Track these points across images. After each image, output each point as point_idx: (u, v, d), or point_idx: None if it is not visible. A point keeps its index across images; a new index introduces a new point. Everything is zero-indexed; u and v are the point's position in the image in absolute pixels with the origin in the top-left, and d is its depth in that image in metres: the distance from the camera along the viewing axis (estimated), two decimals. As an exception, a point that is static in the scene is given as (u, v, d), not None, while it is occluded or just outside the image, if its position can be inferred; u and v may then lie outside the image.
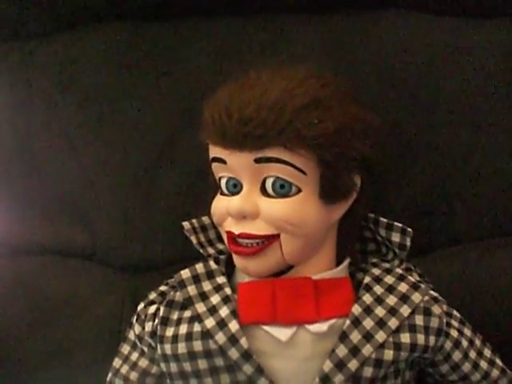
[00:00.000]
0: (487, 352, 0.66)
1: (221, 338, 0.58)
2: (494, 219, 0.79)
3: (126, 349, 0.67)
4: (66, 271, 0.81)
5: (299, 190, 0.58)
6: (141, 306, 0.66)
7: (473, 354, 0.64)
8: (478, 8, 0.79)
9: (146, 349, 0.65)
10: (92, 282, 0.80)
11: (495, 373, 0.65)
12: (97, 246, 0.82)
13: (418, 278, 0.64)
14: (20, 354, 0.77)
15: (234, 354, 0.58)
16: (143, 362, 0.65)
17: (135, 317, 0.66)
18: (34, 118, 0.81)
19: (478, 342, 0.65)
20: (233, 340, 0.58)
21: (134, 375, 0.65)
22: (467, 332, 0.65)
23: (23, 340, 0.77)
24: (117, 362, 0.67)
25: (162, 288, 0.67)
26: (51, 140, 0.81)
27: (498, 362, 0.66)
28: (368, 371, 0.58)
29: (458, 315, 0.65)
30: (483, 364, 0.65)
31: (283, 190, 0.57)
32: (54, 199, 0.82)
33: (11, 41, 0.82)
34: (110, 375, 0.67)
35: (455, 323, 0.64)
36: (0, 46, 0.82)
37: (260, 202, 0.58)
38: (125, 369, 0.66)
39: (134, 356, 0.66)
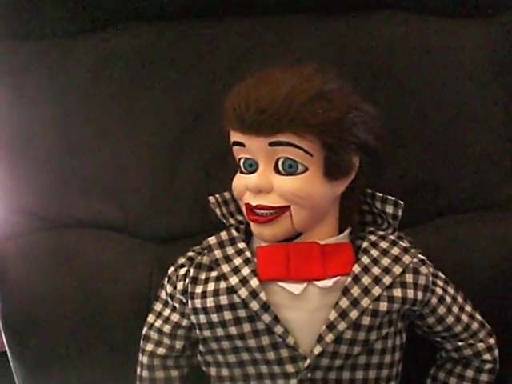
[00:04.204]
0: (468, 308, 0.73)
1: (243, 292, 0.65)
2: (476, 195, 0.85)
3: (158, 306, 0.74)
4: (100, 242, 0.85)
5: (306, 169, 0.64)
6: (171, 269, 0.73)
7: (455, 309, 0.71)
8: (463, 9, 0.83)
9: (177, 305, 0.71)
10: (124, 252, 0.85)
11: (475, 325, 0.72)
12: (127, 220, 0.86)
13: (408, 245, 0.71)
14: (60, 315, 0.83)
15: (254, 305, 0.65)
16: (175, 317, 0.72)
17: (166, 279, 0.73)
18: (72, 108, 0.85)
19: (460, 299, 0.73)
20: (254, 294, 0.65)
21: (167, 328, 0.73)
22: (451, 290, 0.72)
23: (63, 304, 0.83)
24: (151, 318, 0.74)
25: (190, 254, 0.73)
26: (87, 127, 0.85)
27: (478, 316, 0.73)
28: (366, 320, 0.65)
29: (442, 276, 0.72)
30: (464, 317, 0.72)
31: (292, 168, 0.64)
32: (90, 179, 0.86)
33: (51, 39, 0.85)
34: (145, 329, 0.74)
35: (440, 282, 0.71)
36: (41, 43, 0.85)
37: (273, 178, 0.65)
38: (158, 323, 0.73)
39: (167, 312, 0.73)
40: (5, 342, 0.86)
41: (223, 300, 0.67)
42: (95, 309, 0.83)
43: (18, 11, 0.84)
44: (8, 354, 0.87)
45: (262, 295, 0.65)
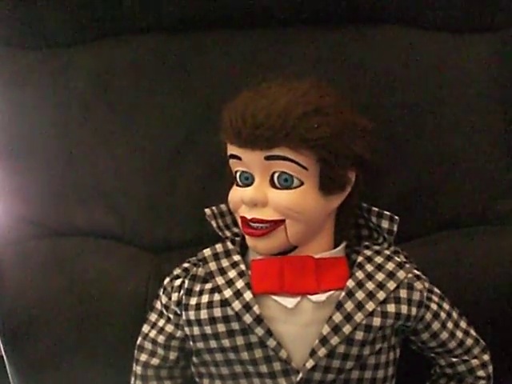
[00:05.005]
0: (463, 324, 0.72)
1: (237, 305, 0.65)
2: (473, 209, 0.84)
3: (153, 316, 0.74)
4: (97, 250, 0.85)
5: (302, 183, 0.65)
6: (167, 280, 0.73)
7: (450, 325, 0.71)
8: (463, 24, 0.83)
9: (171, 316, 0.71)
10: (121, 260, 0.84)
11: (469, 342, 0.72)
12: (125, 228, 0.86)
13: (404, 260, 0.71)
14: (56, 322, 0.83)
15: (247, 318, 0.65)
16: (169, 328, 0.72)
17: (161, 289, 0.73)
18: (72, 117, 0.85)
19: (455, 315, 0.72)
20: (247, 307, 0.65)
21: (161, 338, 0.72)
22: (446, 306, 0.71)
23: (59, 310, 0.83)
24: (145, 328, 0.74)
25: (185, 265, 0.73)
26: (86, 135, 0.85)
27: (473, 332, 0.73)
28: (359, 335, 0.65)
29: (437, 291, 0.72)
30: (459, 333, 0.72)
31: (288, 182, 0.64)
32: (88, 187, 0.85)
33: (52, 48, 0.85)
34: (139, 339, 0.74)
35: (435, 298, 0.71)
36: (41, 52, 0.85)
37: (269, 192, 0.65)
38: (153, 333, 0.73)
39: (161, 322, 0.73)
40: (1, 346, 0.86)
41: (217, 312, 0.67)
42: (92, 316, 0.83)
43: (19, 20, 0.84)
44: (4, 358, 0.87)
45: (256, 308, 0.65)
